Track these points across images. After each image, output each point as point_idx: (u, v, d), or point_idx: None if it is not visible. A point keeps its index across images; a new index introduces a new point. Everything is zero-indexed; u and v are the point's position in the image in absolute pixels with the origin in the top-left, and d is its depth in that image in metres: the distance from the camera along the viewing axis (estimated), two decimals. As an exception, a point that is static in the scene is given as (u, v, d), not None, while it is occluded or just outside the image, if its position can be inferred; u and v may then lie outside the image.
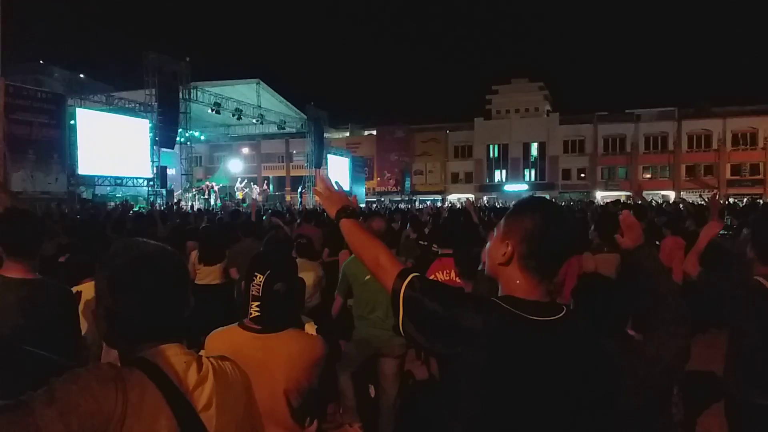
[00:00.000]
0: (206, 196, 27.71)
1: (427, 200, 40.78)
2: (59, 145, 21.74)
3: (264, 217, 9.79)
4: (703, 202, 12.72)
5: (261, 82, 34.35)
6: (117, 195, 23.90)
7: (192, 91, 27.24)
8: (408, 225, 9.11)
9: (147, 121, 25.58)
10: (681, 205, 11.44)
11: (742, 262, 2.96)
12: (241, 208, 18.71)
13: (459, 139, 52.53)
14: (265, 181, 46.54)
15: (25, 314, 2.24)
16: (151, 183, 25.73)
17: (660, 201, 25.77)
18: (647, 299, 1.65)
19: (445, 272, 4.08)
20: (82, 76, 44.78)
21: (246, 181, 34.05)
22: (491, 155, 51.45)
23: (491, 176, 51.58)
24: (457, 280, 3.82)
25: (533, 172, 50.34)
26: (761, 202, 22.83)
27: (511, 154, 50.44)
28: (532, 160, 50.37)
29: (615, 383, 1.34)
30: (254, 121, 32.57)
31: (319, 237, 6.86)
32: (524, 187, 47.53)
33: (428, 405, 4.54)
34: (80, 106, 23.45)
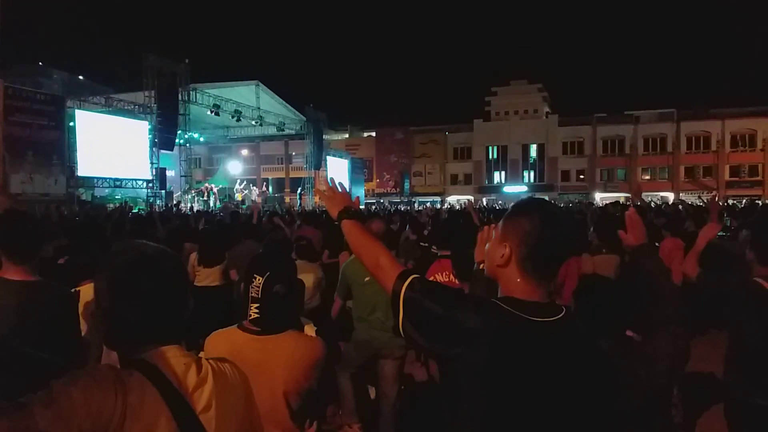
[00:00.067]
0: (205, 198, 27.71)
1: (426, 202, 40.78)
2: (58, 147, 21.74)
3: (263, 218, 9.78)
4: (702, 204, 12.74)
5: (260, 84, 34.34)
6: (116, 197, 23.90)
7: (191, 92, 27.23)
8: (407, 226, 9.11)
9: (146, 122, 25.58)
10: (680, 206, 11.46)
11: (742, 263, 2.96)
12: (240, 210, 18.71)
13: (458, 140, 52.57)
14: (265, 183, 46.57)
15: (25, 316, 2.23)
16: (151, 185, 25.72)
17: (659, 202, 25.80)
18: (647, 299, 1.65)
19: (444, 274, 4.08)
20: (81, 77, 44.86)
21: (245, 182, 34.08)
22: (490, 157, 51.50)
23: (490, 178, 51.62)
24: (456, 281, 3.82)
25: (532, 173, 50.38)
26: (760, 203, 22.85)
27: (510, 155, 50.48)
28: (531, 161, 50.42)
29: (614, 384, 1.34)
30: (253, 122, 32.58)
31: (319, 238, 6.86)
32: (523, 188, 47.57)
33: (428, 406, 4.54)
34: (79, 108, 23.42)
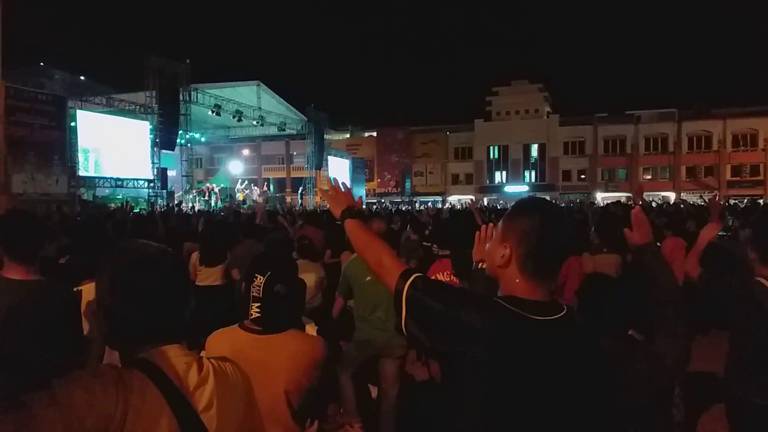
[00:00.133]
0: (207, 198, 27.73)
1: (427, 201, 40.77)
2: (60, 147, 21.76)
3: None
4: (703, 203, 12.72)
5: (261, 84, 34.38)
6: (118, 196, 23.92)
7: (192, 93, 27.26)
8: (408, 226, 9.11)
9: (147, 122, 25.62)
10: (681, 206, 11.45)
11: (744, 263, 2.96)
12: (241, 210, 18.72)
13: (459, 140, 52.57)
14: (266, 183, 46.57)
15: (27, 315, 2.24)
16: (152, 184, 25.75)
17: (660, 202, 25.77)
18: (650, 299, 1.65)
19: (445, 273, 4.08)
20: (82, 78, 44.82)
21: (246, 182, 34.09)
22: (491, 156, 51.49)
23: (491, 177, 51.61)
24: (457, 280, 3.83)
25: (533, 173, 50.37)
26: (762, 203, 22.82)
27: (511, 155, 50.47)
28: (533, 161, 50.40)
29: (615, 383, 1.34)
30: (254, 122, 32.60)
31: (321, 238, 6.86)
32: (524, 188, 47.56)
33: (429, 405, 4.53)
34: (81, 108, 23.47)
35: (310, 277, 4.58)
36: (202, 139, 35.94)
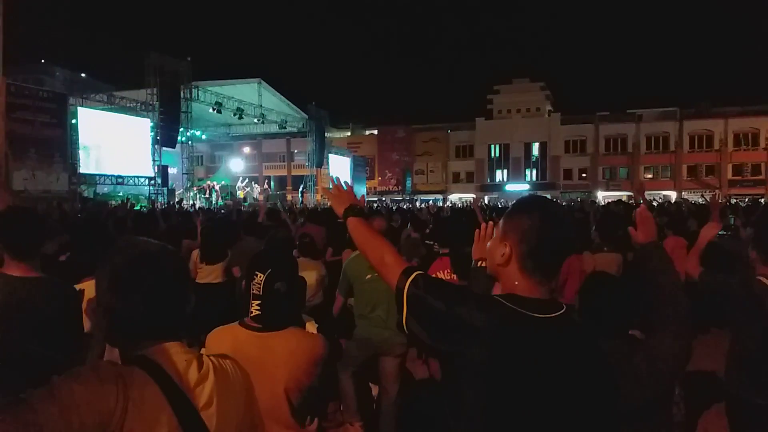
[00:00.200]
0: (207, 196, 27.74)
1: (428, 200, 40.79)
2: (60, 145, 21.78)
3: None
4: (704, 202, 12.71)
5: (262, 82, 34.38)
6: (118, 194, 23.95)
7: (193, 90, 27.28)
8: (409, 224, 9.10)
9: (148, 120, 25.63)
10: (682, 205, 11.45)
11: (744, 262, 2.95)
12: (242, 207, 18.72)
13: (460, 138, 52.54)
14: (266, 181, 46.57)
15: (27, 312, 2.24)
16: (153, 182, 25.77)
17: (661, 201, 25.75)
18: (653, 298, 1.64)
19: (445, 271, 4.08)
20: (83, 75, 44.88)
21: (247, 180, 34.11)
22: (492, 155, 51.46)
23: (492, 176, 51.59)
24: (456, 278, 3.83)
25: (534, 171, 50.34)
26: (763, 202, 22.80)
27: (512, 153, 50.44)
28: (534, 159, 50.37)
29: (615, 381, 1.34)
30: (255, 120, 32.60)
31: (322, 236, 6.86)
32: (525, 186, 47.54)
33: (429, 404, 4.54)
34: (82, 106, 23.48)
35: (311, 274, 4.58)
36: (203, 137, 35.94)
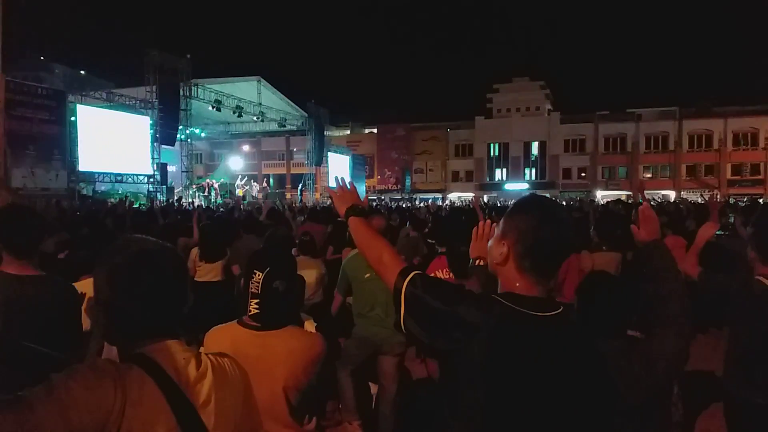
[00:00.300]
0: (206, 194, 27.73)
1: (427, 198, 40.79)
2: (60, 142, 21.76)
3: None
4: (703, 202, 12.73)
5: (262, 80, 34.38)
6: (117, 192, 23.94)
7: (193, 88, 27.27)
8: (408, 223, 9.10)
9: (147, 118, 25.62)
10: (681, 205, 11.45)
11: (743, 261, 2.95)
12: (242, 206, 18.69)
13: (460, 137, 52.55)
14: (266, 179, 46.52)
15: (25, 310, 2.24)
16: (152, 180, 25.75)
17: (660, 200, 25.75)
18: (654, 297, 1.64)
19: (444, 270, 4.08)
20: (82, 72, 44.87)
21: (246, 178, 34.07)
22: (492, 154, 51.47)
23: (492, 175, 51.60)
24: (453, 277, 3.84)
25: (534, 170, 50.37)
26: (761, 201, 22.82)
27: (511, 152, 50.46)
28: (533, 158, 50.39)
29: (612, 380, 1.35)
30: (255, 118, 32.61)
31: (323, 234, 6.87)
32: (525, 185, 47.56)
33: (428, 403, 4.54)
34: (81, 103, 23.46)
35: (310, 273, 4.58)
36: (202, 135, 35.94)
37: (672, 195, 39.83)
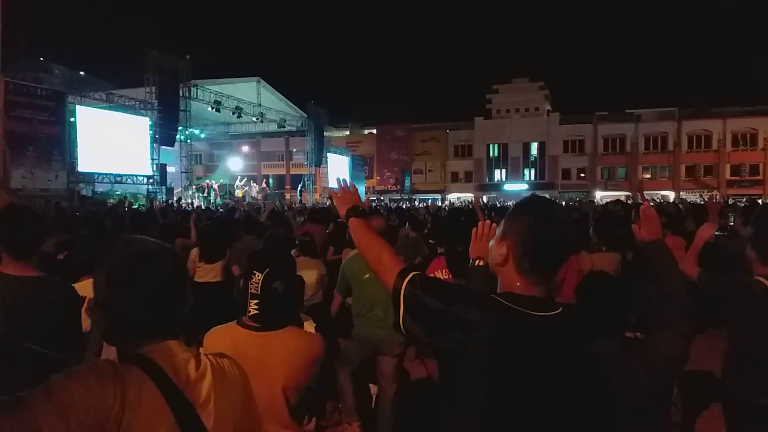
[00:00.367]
0: (206, 195, 27.72)
1: (427, 199, 40.78)
2: (59, 143, 21.74)
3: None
4: (702, 202, 12.72)
5: (261, 81, 34.35)
6: (116, 192, 23.92)
7: (192, 89, 27.25)
8: (407, 223, 9.10)
9: (147, 118, 25.60)
10: (680, 205, 11.45)
11: (743, 262, 2.95)
12: (243, 207, 18.68)
13: (459, 138, 52.56)
14: (265, 180, 46.51)
15: (25, 311, 2.23)
16: (151, 180, 25.74)
17: (659, 201, 25.75)
18: (655, 297, 1.64)
19: (443, 270, 4.08)
20: (82, 73, 44.86)
21: (246, 179, 34.05)
22: (491, 154, 51.48)
23: (491, 175, 51.60)
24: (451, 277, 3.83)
25: (533, 171, 50.38)
26: (761, 202, 22.82)
27: (510, 153, 50.47)
28: (532, 159, 50.40)
29: (612, 381, 1.35)
30: (254, 119, 32.57)
31: (323, 235, 6.87)
32: (524, 186, 47.56)
33: (427, 403, 4.54)
34: (80, 104, 23.44)
35: (311, 274, 4.58)
36: (202, 136, 35.91)
37: (671, 195, 39.83)
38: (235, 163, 40.00)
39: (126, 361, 1.19)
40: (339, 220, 1.82)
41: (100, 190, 24.60)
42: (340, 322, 4.48)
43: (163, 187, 26.17)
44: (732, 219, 8.64)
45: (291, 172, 50.20)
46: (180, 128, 26.78)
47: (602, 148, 48.28)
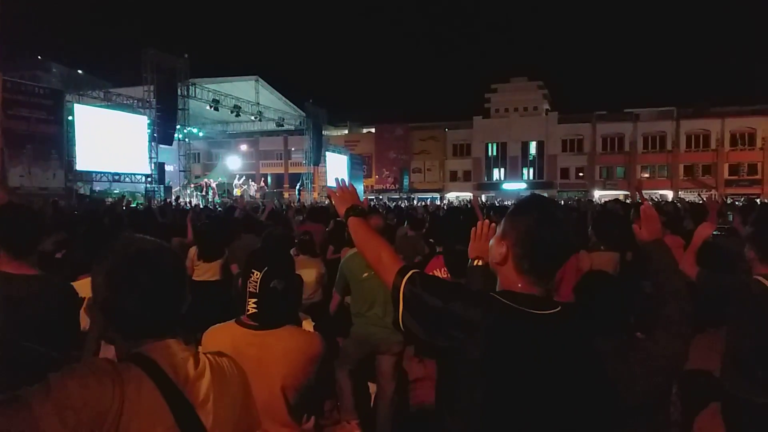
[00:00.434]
0: (204, 193, 27.69)
1: (425, 198, 40.81)
2: (57, 141, 21.71)
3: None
4: (701, 202, 12.74)
5: (260, 79, 34.33)
6: (115, 191, 23.90)
7: (190, 87, 27.20)
8: (405, 222, 9.09)
9: (145, 117, 25.55)
10: (678, 204, 11.46)
11: (742, 261, 2.96)
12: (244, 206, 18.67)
13: (458, 137, 52.60)
14: (263, 178, 46.49)
15: (24, 310, 2.23)
16: (149, 179, 25.71)
17: (658, 200, 25.77)
18: (654, 296, 1.64)
19: (443, 269, 4.08)
20: (80, 71, 44.76)
21: (244, 178, 34.03)
22: (490, 154, 51.52)
23: (489, 175, 51.65)
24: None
25: (531, 170, 50.44)
26: (758, 201, 22.86)
27: (509, 152, 50.52)
28: (531, 158, 50.46)
29: (610, 380, 1.35)
30: (253, 118, 32.54)
31: (322, 233, 6.86)
32: (522, 185, 47.61)
33: (426, 402, 4.54)
34: (78, 102, 23.41)
35: (310, 272, 4.58)
36: (200, 134, 35.85)
37: (669, 195, 39.89)
38: (233, 162, 39.97)
39: (125, 359, 1.18)
40: (339, 218, 1.82)
41: (98, 188, 24.55)
42: (339, 321, 4.47)
43: (162, 185, 26.13)
44: (731, 218, 8.66)
45: (289, 171, 50.19)
46: (178, 127, 26.73)
47: (601, 148, 48.33)
